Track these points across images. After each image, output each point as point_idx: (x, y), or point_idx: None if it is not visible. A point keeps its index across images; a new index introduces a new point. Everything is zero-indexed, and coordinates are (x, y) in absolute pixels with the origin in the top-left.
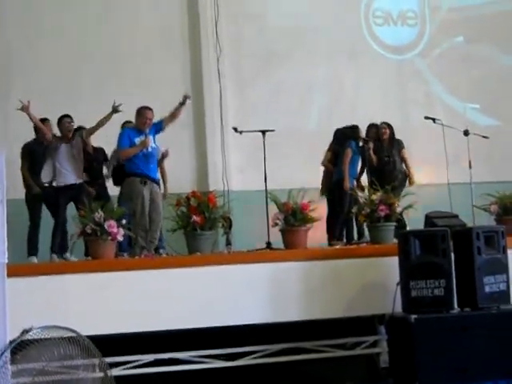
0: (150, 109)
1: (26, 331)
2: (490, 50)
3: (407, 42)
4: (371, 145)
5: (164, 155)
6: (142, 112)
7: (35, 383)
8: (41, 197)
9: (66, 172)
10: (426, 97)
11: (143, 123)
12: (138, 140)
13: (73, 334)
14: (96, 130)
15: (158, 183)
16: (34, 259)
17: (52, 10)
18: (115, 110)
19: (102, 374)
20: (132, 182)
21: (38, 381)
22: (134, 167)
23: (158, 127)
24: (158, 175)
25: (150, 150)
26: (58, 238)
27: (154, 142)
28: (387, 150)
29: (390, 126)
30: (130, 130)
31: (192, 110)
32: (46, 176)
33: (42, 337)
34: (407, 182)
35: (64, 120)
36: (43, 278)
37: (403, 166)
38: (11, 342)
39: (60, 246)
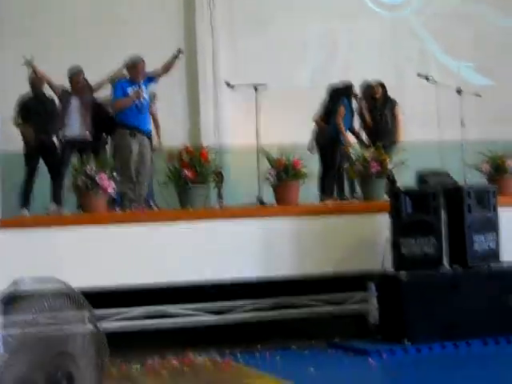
0: (142, 60)
1: (16, 282)
2: (486, 9)
3: None
4: (364, 103)
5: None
6: (135, 63)
7: (25, 335)
8: (38, 151)
9: (74, 125)
10: (421, 55)
11: (136, 73)
12: (130, 90)
13: (62, 287)
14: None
15: (149, 136)
16: (26, 212)
17: None
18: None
19: (91, 327)
20: (121, 134)
21: (27, 332)
22: (124, 118)
23: (151, 79)
24: (151, 127)
25: (141, 100)
26: (61, 188)
27: (147, 94)
28: (380, 109)
29: (383, 86)
30: (123, 82)
31: (185, 65)
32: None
33: (32, 288)
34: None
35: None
36: (34, 230)
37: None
38: (2, 293)
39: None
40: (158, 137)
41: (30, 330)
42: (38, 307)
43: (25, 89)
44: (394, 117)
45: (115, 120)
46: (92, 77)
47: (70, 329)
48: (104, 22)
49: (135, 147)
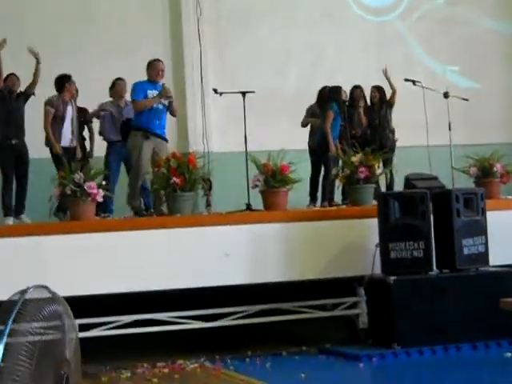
0: (161, 60)
1: (24, 291)
2: (470, 13)
3: (387, 3)
4: (362, 104)
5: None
6: (154, 64)
7: (35, 343)
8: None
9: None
10: (406, 59)
11: (156, 74)
12: (150, 93)
13: (53, 295)
14: None
15: (165, 139)
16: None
17: None
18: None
19: (76, 334)
20: (134, 135)
21: (37, 340)
22: (137, 121)
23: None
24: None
25: (156, 105)
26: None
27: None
28: (377, 113)
29: (379, 89)
30: (143, 83)
31: (172, 71)
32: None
33: (31, 297)
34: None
35: (71, 80)
36: (22, 239)
37: (392, 125)
38: (14, 302)
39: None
40: None
41: (37, 338)
42: (41, 315)
43: None
44: (391, 108)
45: (131, 123)
46: (79, 78)
47: (66, 336)
48: (90, 23)
49: (148, 149)
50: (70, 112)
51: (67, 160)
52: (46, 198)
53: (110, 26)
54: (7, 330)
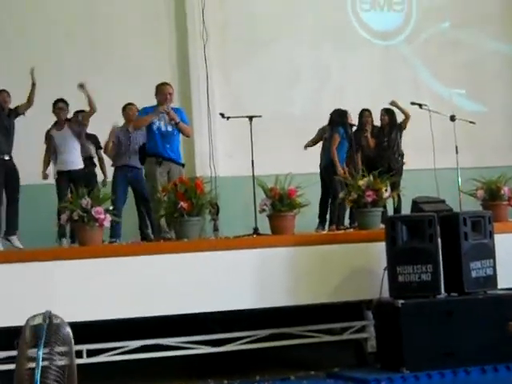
0: (169, 84)
1: (48, 317)
2: (476, 36)
3: (394, 27)
4: (369, 128)
5: None
6: (161, 88)
7: (63, 367)
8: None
9: (69, 155)
10: (413, 82)
11: (164, 99)
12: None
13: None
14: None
15: (179, 163)
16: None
17: None
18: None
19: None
20: (149, 162)
21: (65, 363)
22: (149, 147)
23: (184, 121)
24: (182, 159)
25: (168, 128)
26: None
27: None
28: (387, 135)
29: (389, 112)
30: (150, 108)
31: (178, 96)
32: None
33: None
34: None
35: (58, 105)
36: (30, 264)
37: (401, 150)
38: (37, 327)
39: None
40: None
41: (63, 361)
42: (60, 340)
43: None
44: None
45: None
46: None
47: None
48: (97, 48)
49: (161, 176)
50: (70, 133)
51: (74, 184)
52: (44, 223)
53: (118, 52)
54: (41, 355)
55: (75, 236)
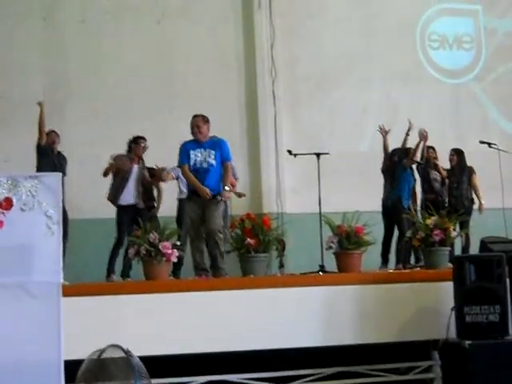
0: (198, 116)
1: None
2: None
3: (463, 66)
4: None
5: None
6: (191, 122)
7: None
8: None
9: (130, 192)
10: (482, 121)
11: (193, 133)
12: (193, 153)
13: (124, 355)
14: None
15: (214, 198)
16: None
17: (110, 35)
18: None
19: None
20: (182, 200)
21: None
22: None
23: (225, 154)
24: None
25: (203, 165)
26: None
27: (214, 158)
28: (456, 176)
29: (458, 153)
30: (187, 143)
31: (246, 132)
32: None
33: (110, 356)
34: (476, 208)
35: (139, 141)
36: (98, 298)
37: (471, 193)
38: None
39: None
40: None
41: None
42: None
43: None
44: (470, 185)
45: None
46: (155, 139)
47: None
48: (165, 85)
49: (190, 211)
50: (135, 171)
51: (132, 218)
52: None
53: (186, 89)
54: None
55: (143, 270)
